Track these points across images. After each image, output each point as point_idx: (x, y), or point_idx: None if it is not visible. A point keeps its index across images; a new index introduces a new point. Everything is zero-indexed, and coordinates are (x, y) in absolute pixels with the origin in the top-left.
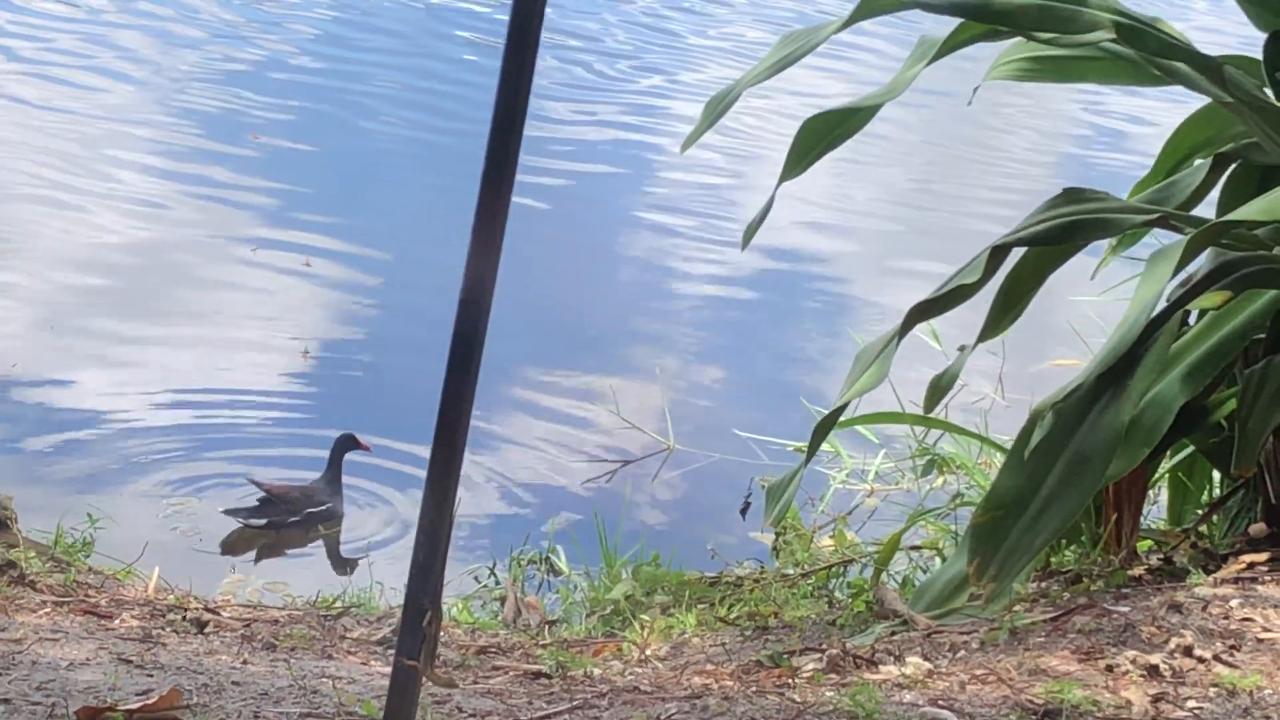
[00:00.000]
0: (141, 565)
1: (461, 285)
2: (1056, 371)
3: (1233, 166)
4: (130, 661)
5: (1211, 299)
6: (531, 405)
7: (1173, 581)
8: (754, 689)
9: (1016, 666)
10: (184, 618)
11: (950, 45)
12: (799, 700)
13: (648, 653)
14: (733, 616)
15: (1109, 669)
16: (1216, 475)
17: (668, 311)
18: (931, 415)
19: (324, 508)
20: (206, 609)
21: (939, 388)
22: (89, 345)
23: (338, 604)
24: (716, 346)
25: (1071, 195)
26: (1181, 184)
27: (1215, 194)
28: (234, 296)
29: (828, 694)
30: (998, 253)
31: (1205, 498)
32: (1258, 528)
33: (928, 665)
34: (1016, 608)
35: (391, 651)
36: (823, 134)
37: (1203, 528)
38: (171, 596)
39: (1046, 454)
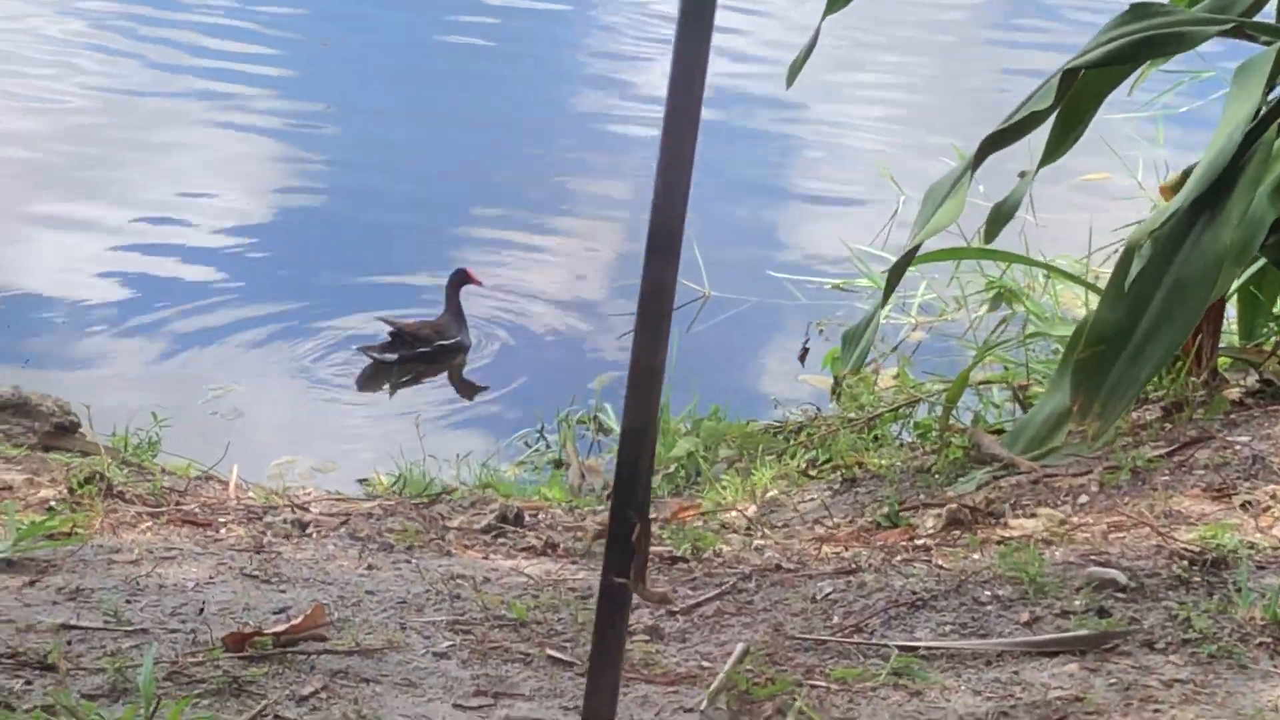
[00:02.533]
0: (196, 454)
1: (658, 170)
2: (1090, 185)
3: None
4: (255, 576)
5: None
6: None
7: (1276, 404)
8: (900, 558)
9: (1149, 510)
10: (283, 519)
11: None
12: (951, 568)
13: (749, 513)
14: (814, 469)
15: (1246, 506)
16: None
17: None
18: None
19: (454, 341)
20: (297, 506)
21: (1000, 216)
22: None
23: (430, 490)
24: (745, 189)
25: (1138, 11)
26: None
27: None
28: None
29: (976, 558)
30: (1069, 76)
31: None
32: None
33: (1059, 515)
34: (1119, 442)
35: (502, 541)
36: None
37: None
38: (252, 492)
39: (1146, 284)
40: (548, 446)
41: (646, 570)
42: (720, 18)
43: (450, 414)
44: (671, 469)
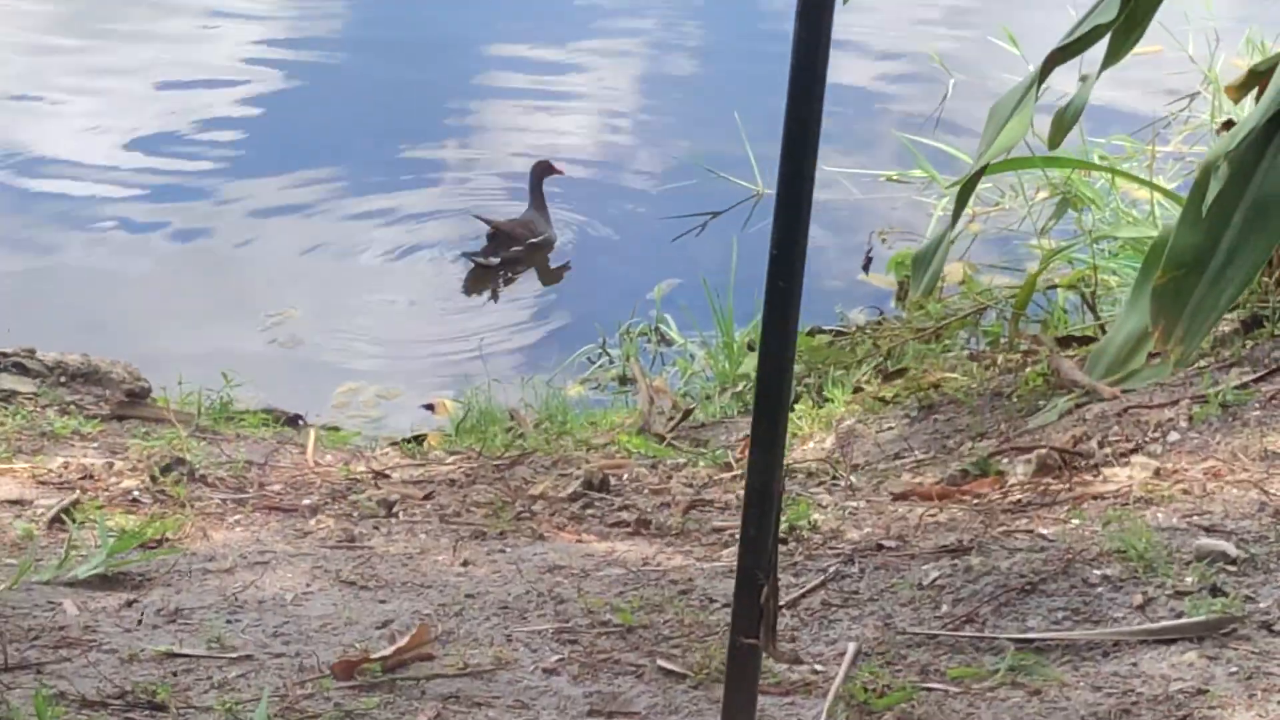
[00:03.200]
0: (270, 394)
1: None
2: (1141, 59)
3: None
4: (352, 583)
5: None
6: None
7: None
8: (1000, 527)
9: (1244, 451)
10: (367, 497)
11: None
12: (1055, 539)
13: (827, 445)
14: (888, 389)
15: None
16: None
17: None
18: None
19: (543, 236)
20: (378, 475)
21: (1064, 121)
22: None
23: (502, 446)
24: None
25: None
26: None
27: None
28: None
29: (1077, 524)
30: None
31: None
32: None
33: (1153, 463)
34: (1200, 362)
35: (591, 513)
36: None
37: None
38: (329, 456)
39: (1224, 205)
40: (611, 361)
41: (776, 629)
42: None
43: (510, 324)
44: (740, 388)
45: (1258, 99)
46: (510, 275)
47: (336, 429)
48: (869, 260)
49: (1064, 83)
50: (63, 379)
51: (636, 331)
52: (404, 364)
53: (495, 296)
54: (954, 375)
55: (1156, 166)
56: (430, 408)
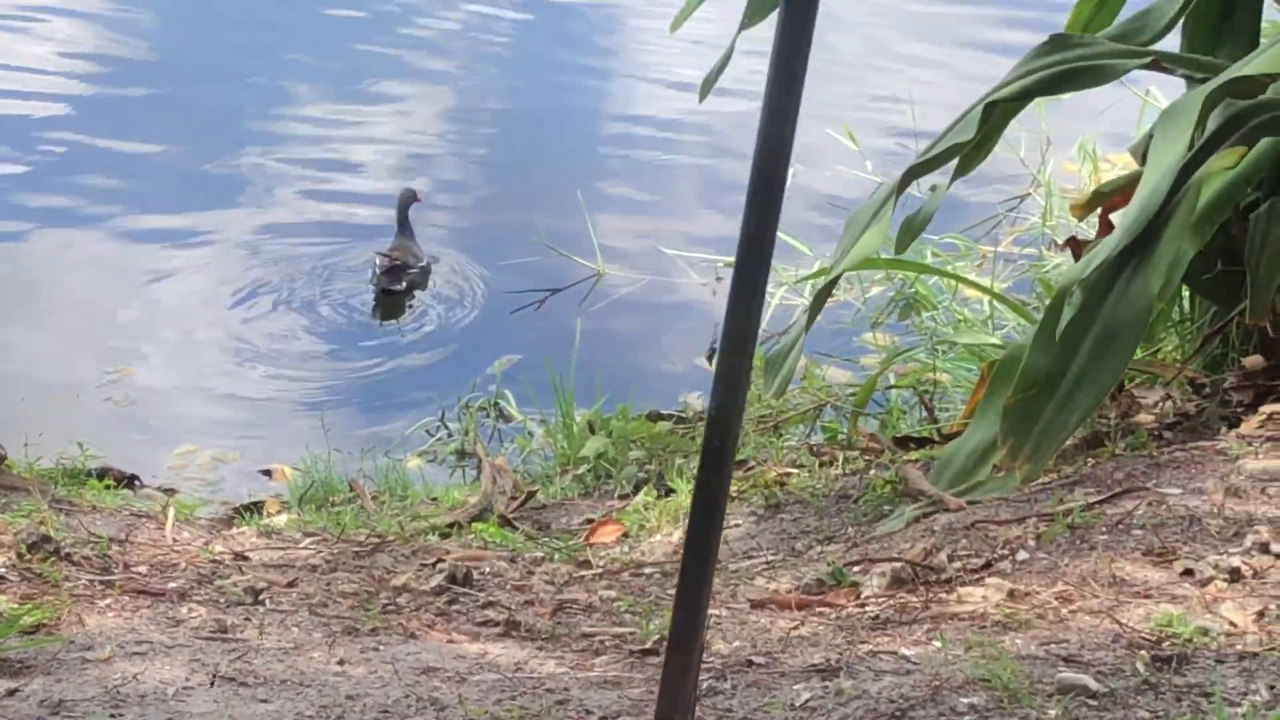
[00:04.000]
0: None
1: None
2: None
3: None
4: (232, 679)
5: (1227, 158)
6: (446, 235)
7: (1195, 439)
8: (864, 646)
9: (1093, 576)
10: (233, 583)
11: None
12: (920, 663)
13: (675, 540)
14: (734, 487)
15: (1188, 573)
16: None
17: (587, 143)
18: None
19: (427, 259)
20: (239, 556)
21: (913, 227)
22: None
23: (362, 530)
24: (633, 174)
25: (1057, 43)
26: (1154, 15)
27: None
28: None
29: (937, 646)
30: (989, 109)
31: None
32: (1254, 360)
33: (1007, 585)
34: (1044, 478)
35: (458, 609)
36: None
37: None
38: (186, 532)
39: (1075, 330)
40: (450, 435)
41: None
42: None
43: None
44: (580, 470)
45: (1101, 218)
46: (411, 301)
47: (174, 491)
48: (713, 352)
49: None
50: None
51: (476, 406)
52: (241, 426)
53: (399, 318)
54: (796, 471)
55: (988, 268)
56: (268, 473)
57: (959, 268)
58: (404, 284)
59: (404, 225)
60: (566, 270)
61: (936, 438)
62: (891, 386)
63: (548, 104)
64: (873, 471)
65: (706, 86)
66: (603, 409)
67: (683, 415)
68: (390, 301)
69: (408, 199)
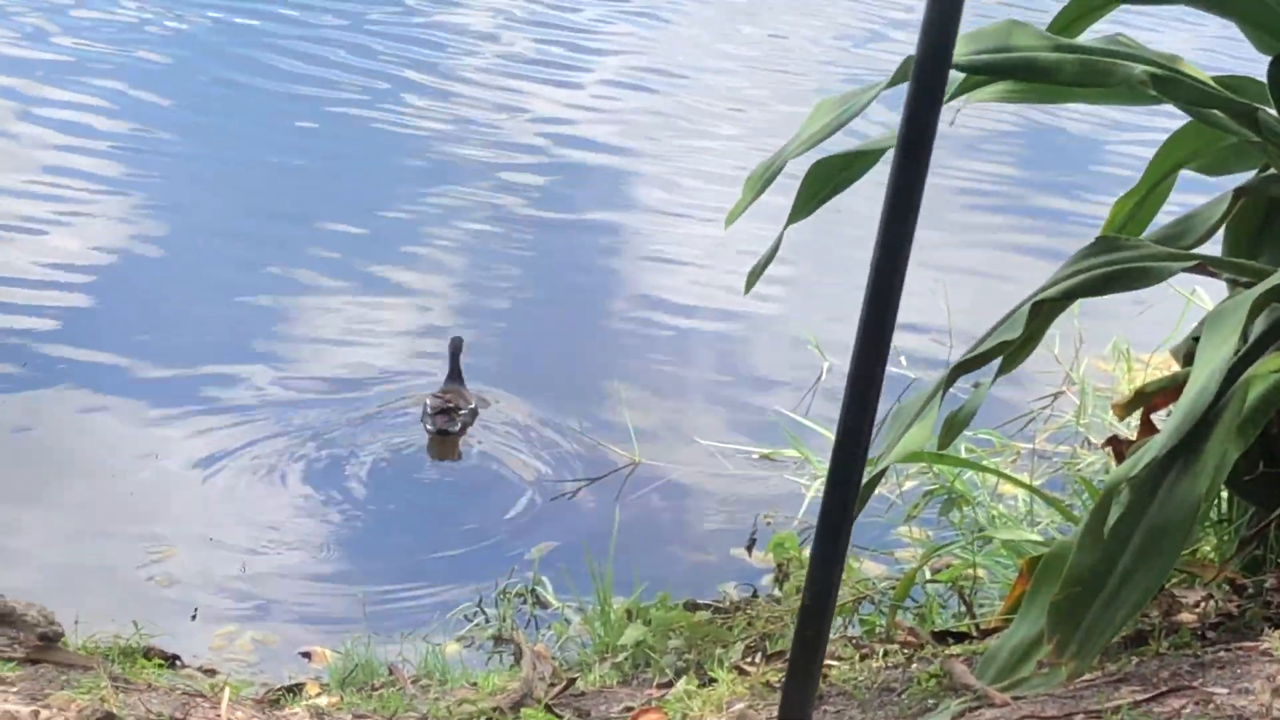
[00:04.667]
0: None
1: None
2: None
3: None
4: None
5: (1273, 361)
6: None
7: (1239, 639)
8: None
9: None
10: None
11: (963, 88)
12: None
13: None
14: (776, 677)
15: None
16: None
17: (622, 332)
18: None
19: (472, 407)
20: None
21: (955, 424)
22: None
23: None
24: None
25: (1104, 244)
26: (1198, 219)
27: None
28: None
29: None
30: (1038, 307)
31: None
32: None
33: None
34: (1088, 674)
35: None
36: (830, 176)
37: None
38: (240, 713)
39: (1122, 528)
40: (486, 621)
41: None
42: None
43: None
44: (619, 658)
45: (1142, 419)
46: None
47: (214, 671)
48: (753, 542)
49: None
50: None
51: (513, 592)
52: (281, 607)
53: (458, 456)
54: (837, 663)
55: (1022, 464)
56: (308, 655)
57: (994, 463)
58: (458, 425)
59: (454, 371)
60: (603, 456)
61: (975, 633)
62: (929, 581)
63: (574, 287)
64: (915, 665)
65: (753, 278)
66: (641, 597)
67: (720, 605)
68: (443, 443)
69: (457, 346)
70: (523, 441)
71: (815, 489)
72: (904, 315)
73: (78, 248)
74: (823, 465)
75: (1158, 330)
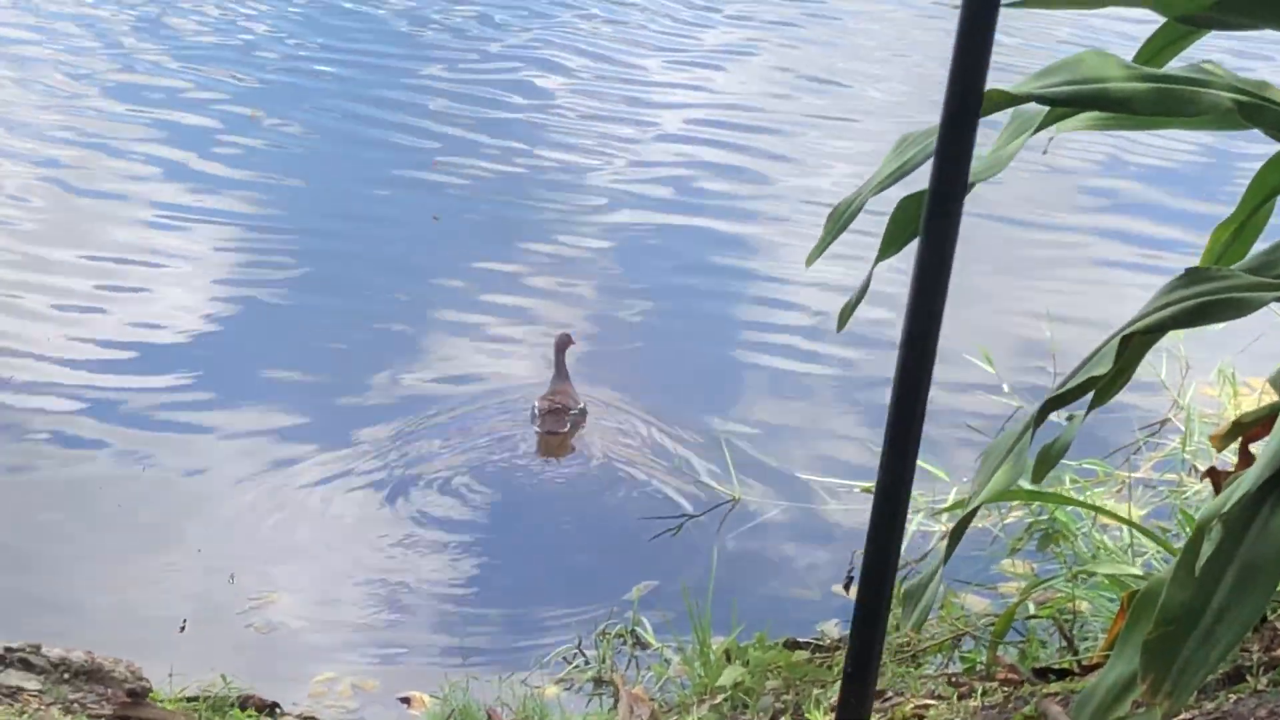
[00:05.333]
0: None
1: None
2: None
3: None
4: None
5: None
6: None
7: None
8: None
9: None
10: None
11: (1049, 119)
12: None
13: None
14: None
15: None
16: None
17: (723, 365)
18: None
19: (581, 407)
20: None
21: (1050, 458)
22: None
23: None
24: (771, 397)
25: (1194, 275)
26: None
27: None
28: None
29: None
30: (1126, 340)
31: None
32: None
33: None
34: (1184, 713)
35: None
36: (919, 212)
37: None
38: None
39: (1215, 565)
40: (586, 662)
41: None
42: None
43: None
44: (717, 700)
45: (1241, 449)
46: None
47: (313, 719)
48: (850, 579)
49: None
50: (66, 676)
51: (613, 633)
52: (380, 652)
53: (560, 457)
54: (934, 703)
55: (1126, 493)
56: (406, 701)
57: (1098, 493)
58: (567, 425)
59: (560, 369)
60: (703, 491)
61: (1076, 669)
62: (1030, 617)
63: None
64: (1011, 705)
65: (844, 316)
66: (740, 636)
67: (820, 643)
68: (553, 441)
69: (563, 343)
70: (624, 475)
71: (916, 522)
72: (1005, 341)
73: (193, 273)
74: (924, 498)
75: (1266, 352)
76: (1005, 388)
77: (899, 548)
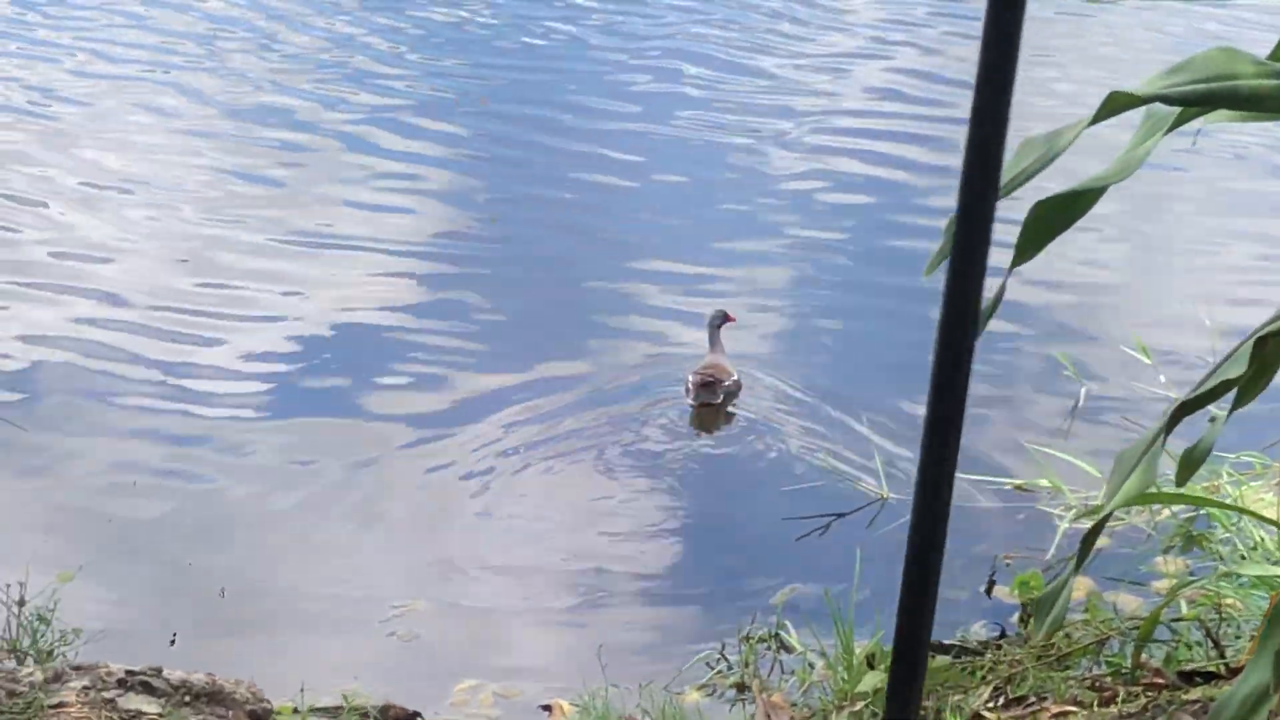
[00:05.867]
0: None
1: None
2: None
3: None
4: None
5: None
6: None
7: None
8: None
9: None
10: None
11: (1184, 118)
12: None
13: None
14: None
15: None
16: None
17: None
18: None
19: (735, 380)
20: None
21: (1192, 461)
22: None
23: None
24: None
25: None
26: None
27: None
28: None
29: None
30: (1261, 343)
31: None
32: None
33: None
34: None
35: None
36: (1052, 217)
37: None
38: None
39: None
40: (729, 667)
41: None
42: None
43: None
44: (858, 706)
45: None
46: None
47: None
48: (991, 584)
49: None
50: (187, 698)
51: (756, 638)
52: (524, 659)
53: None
54: (1075, 709)
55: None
56: (548, 708)
57: (1254, 487)
58: (720, 397)
59: (715, 342)
60: (849, 493)
61: (1223, 672)
62: (1177, 619)
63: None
64: (1149, 713)
65: (982, 323)
66: (884, 640)
67: (965, 646)
68: (706, 414)
69: (719, 319)
70: (771, 471)
71: (1068, 522)
72: (1163, 334)
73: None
74: (1075, 495)
75: None
76: (1162, 379)
77: (943, 535)
